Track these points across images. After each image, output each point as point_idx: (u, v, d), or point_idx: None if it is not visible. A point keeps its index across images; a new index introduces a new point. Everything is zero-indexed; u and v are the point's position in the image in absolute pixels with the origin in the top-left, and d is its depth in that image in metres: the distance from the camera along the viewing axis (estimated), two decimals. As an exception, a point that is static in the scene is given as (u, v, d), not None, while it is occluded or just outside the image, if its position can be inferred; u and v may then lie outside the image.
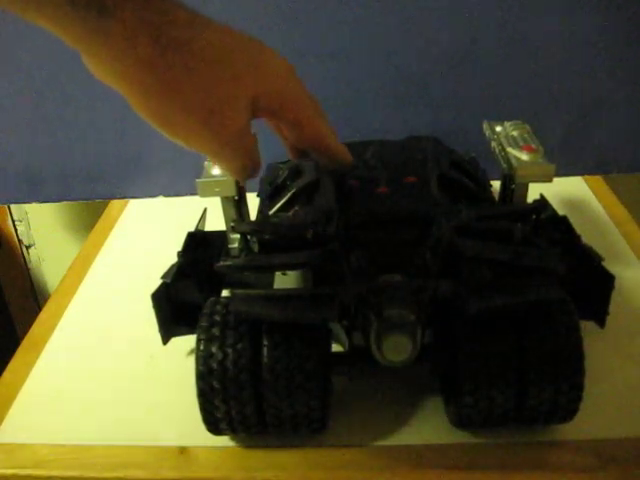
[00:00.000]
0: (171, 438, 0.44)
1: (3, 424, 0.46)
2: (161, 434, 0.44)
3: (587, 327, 0.41)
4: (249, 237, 0.46)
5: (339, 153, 0.43)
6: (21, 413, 0.47)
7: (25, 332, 0.56)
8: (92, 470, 0.42)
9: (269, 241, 0.44)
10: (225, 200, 0.50)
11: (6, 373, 0.51)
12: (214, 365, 0.38)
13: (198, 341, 0.39)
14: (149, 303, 0.44)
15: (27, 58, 0.69)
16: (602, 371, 0.46)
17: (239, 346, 0.38)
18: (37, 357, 0.53)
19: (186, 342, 0.47)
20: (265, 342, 0.38)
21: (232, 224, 0.49)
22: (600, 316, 0.44)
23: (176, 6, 0.35)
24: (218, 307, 0.40)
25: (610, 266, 0.44)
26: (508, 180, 0.49)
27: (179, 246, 0.49)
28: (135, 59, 0.33)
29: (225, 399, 0.39)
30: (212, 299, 0.41)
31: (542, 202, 0.51)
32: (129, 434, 0.44)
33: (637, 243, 0.61)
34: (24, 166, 0.75)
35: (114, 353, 0.52)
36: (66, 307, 0.59)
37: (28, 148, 0.74)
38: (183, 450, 0.43)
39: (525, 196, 0.49)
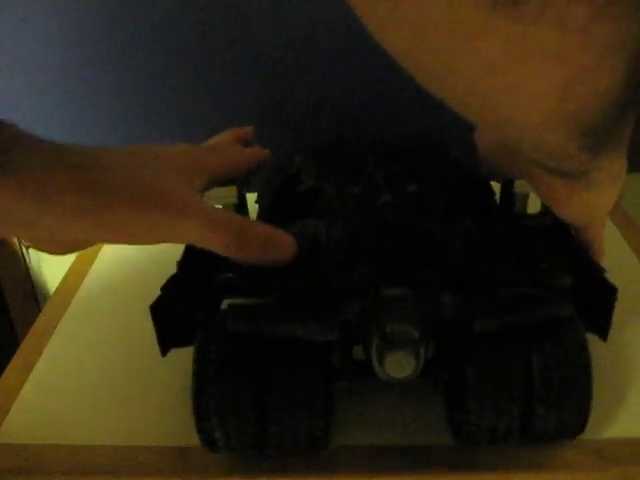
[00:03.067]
0: (171, 438, 0.44)
1: (3, 424, 0.46)
2: (161, 434, 0.44)
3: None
4: None
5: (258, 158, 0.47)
6: (21, 413, 0.47)
7: (25, 332, 0.56)
8: (92, 470, 0.42)
9: None
10: (226, 208, 0.48)
11: (6, 373, 0.51)
12: (211, 383, 0.37)
13: (195, 354, 0.38)
14: (149, 303, 0.44)
15: (27, 58, 0.69)
16: (602, 371, 0.45)
17: (237, 362, 0.37)
18: (37, 357, 0.53)
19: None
20: (265, 359, 0.37)
21: None
22: (603, 329, 0.42)
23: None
24: (215, 320, 0.39)
25: (610, 267, 0.43)
26: (508, 189, 0.47)
27: (179, 246, 0.49)
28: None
29: (223, 419, 0.37)
30: (209, 311, 0.40)
31: (547, 212, 0.49)
32: (129, 434, 0.44)
33: (638, 244, 0.61)
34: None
35: (114, 353, 0.52)
36: (66, 307, 0.59)
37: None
38: (183, 450, 0.43)
39: (526, 205, 0.47)
